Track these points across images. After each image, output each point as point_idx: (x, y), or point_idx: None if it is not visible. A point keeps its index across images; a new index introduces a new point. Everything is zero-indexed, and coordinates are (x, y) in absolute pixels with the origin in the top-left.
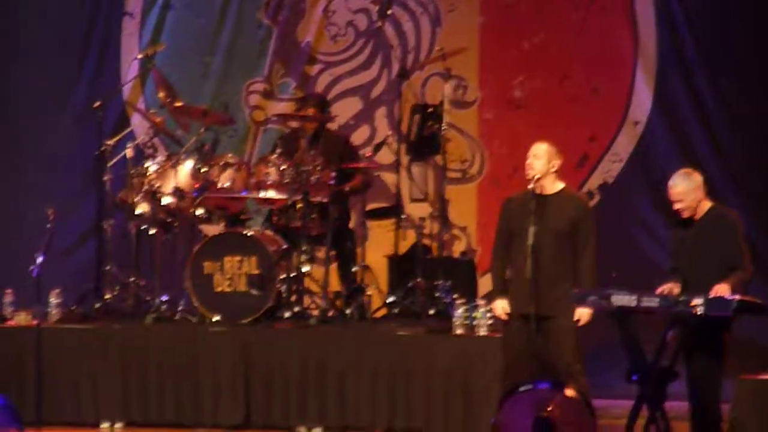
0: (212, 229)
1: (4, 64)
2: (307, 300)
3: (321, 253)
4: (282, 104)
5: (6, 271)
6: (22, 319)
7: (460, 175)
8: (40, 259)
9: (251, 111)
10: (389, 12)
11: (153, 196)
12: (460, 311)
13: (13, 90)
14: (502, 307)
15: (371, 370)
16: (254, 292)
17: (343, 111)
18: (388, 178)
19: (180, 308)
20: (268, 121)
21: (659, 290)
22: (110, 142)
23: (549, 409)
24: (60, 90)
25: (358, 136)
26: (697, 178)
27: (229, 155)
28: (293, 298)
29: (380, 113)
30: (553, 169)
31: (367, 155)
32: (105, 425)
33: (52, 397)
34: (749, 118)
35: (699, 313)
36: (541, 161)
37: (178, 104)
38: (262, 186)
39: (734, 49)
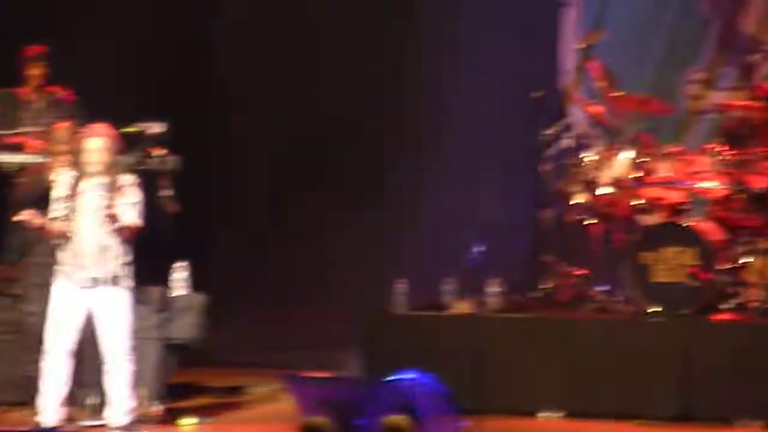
0: (650, 220)
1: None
2: (746, 292)
3: (762, 245)
4: (722, 94)
5: (447, 260)
6: (462, 307)
7: None
8: (478, 249)
9: (689, 100)
10: None
11: (591, 186)
12: None
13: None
14: None
15: None
16: (692, 283)
17: None
18: None
19: (618, 299)
20: (707, 111)
21: None
22: (549, 133)
23: None
24: (496, 81)
25: None
26: None
27: (668, 145)
28: (733, 290)
29: None
30: None
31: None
32: (544, 414)
33: (491, 385)
34: None
35: None
36: None
37: (617, 94)
38: (701, 176)
39: None
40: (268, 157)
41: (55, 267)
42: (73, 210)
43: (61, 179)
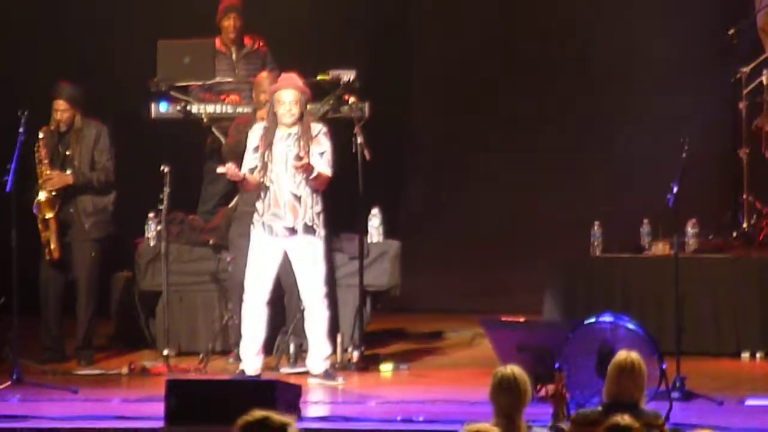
0: None
1: None
2: None
3: None
4: None
5: (644, 202)
6: (659, 249)
7: None
8: (674, 189)
9: None
10: None
11: None
12: None
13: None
14: None
15: None
16: None
17: None
18: None
19: None
20: None
21: None
22: (745, 69)
23: None
24: (691, 21)
25: None
26: None
27: None
28: None
29: None
30: None
31: None
32: (745, 354)
33: (691, 327)
34: None
35: None
36: None
37: None
38: None
39: None
40: (461, 101)
41: (254, 217)
42: (267, 161)
43: (254, 131)
